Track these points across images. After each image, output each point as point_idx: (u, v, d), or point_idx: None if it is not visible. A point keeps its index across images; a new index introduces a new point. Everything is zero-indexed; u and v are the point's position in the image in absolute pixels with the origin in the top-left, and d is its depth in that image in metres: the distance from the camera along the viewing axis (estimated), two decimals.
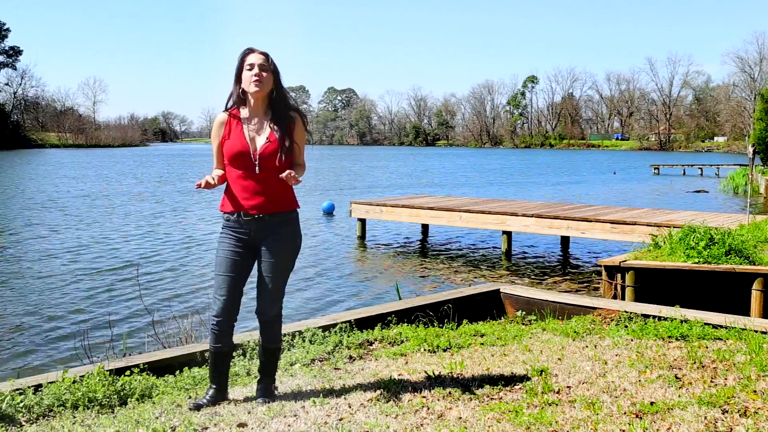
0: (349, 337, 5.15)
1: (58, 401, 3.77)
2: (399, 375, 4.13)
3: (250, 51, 3.67)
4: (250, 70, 3.61)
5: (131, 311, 9.26)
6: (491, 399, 3.63)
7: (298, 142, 3.72)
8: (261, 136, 3.65)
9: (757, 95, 50.83)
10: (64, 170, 46.16)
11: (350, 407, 3.51)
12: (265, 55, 3.67)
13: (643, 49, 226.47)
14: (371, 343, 5.09)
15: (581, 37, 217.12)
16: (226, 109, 3.74)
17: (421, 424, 3.26)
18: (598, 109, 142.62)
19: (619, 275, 9.03)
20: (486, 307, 6.41)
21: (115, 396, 3.91)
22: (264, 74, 3.61)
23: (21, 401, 3.72)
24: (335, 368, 4.40)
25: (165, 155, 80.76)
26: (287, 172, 3.54)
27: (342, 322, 5.38)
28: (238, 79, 3.67)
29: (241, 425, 3.30)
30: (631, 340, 4.87)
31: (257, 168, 3.60)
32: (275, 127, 3.66)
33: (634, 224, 11.95)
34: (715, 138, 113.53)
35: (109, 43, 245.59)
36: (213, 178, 3.64)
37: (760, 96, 36.47)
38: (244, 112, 3.71)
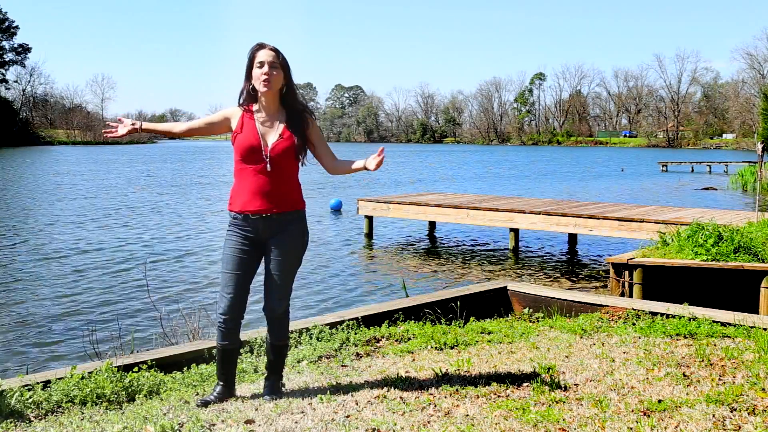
0: (356, 334, 5.15)
1: (67, 397, 3.79)
2: (406, 372, 4.13)
3: (260, 47, 3.63)
4: (260, 68, 3.59)
5: (139, 308, 9.29)
6: (498, 396, 3.63)
7: (315, 141, 3.73)
8: (273, 133, 3.64)
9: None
10: (72, 167, 46.32)
11: (357, 404, 3.52)
12: (275, 51, 3.63)
13: (651, 46, 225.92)
14: (378, 341, 5.09)
15: (589, 34, 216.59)
16: (240, 105, 3.74)
17: (428, 422, 3.26)
18: (606, 106, 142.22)
19: (626, 273, 9.00)
20: (493, 305, 6.40)
21: (123, 392, 3.92)
22: (273, 73, 3.59)
23: (30, 397, 3.74)
24: (342, 365, 4.40)
25: (173, 152, 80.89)
26: (376, 157, 3.60)
27: (349, 320, 5.39)
28: (249, 75, 3.65)
29: (249, 422, 3.31)
30: (639, 338, 4.86)
31: (268, 165, 3.60)
32: (289, 124, 3.66)
33: (642, 221, 11.91)
34: (724, 135, 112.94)
35: (117, 41, 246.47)
36: (137, 128, 3.76)
37: (764, 95, 36.30)
38: (256, 108, 3.70)
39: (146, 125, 3.80)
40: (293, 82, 3.73)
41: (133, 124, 3.77)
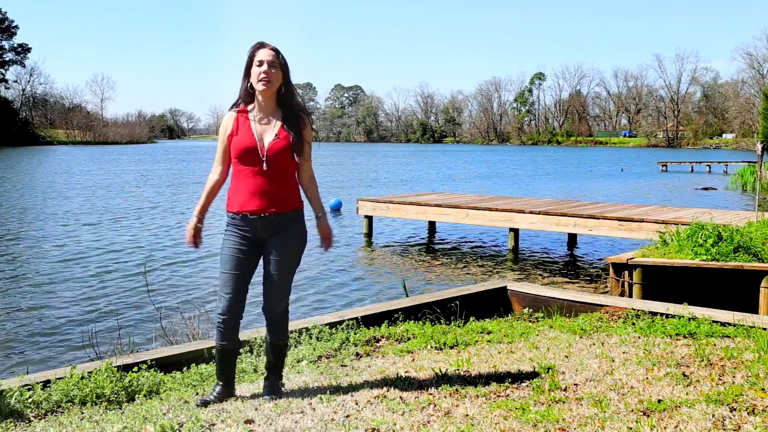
0: (355, 334, 5.15)
1: (66, 397, 3.79)
2: (406, 372, 4.13)
3: (260, 46, 3.64)
4: (259, 66, 3.59)
5: (138, 308, 9.29)
6: (498, 396, 3.63)
7: (306, 139, 3.72)
8: (269, 133, 3.64)
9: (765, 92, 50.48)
10: (73, 167, 46.30)
11: (357, 404, 3.52)
12: (275, 50, 3.63)
13: (650, 46, 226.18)
14: (378, 340, 5.09)
15: (588, 34, 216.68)
16: (234, 107, 3.73)
17: (428, 421, 3.26)
18: (605, 105, 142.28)
19: (626, 272, 9.00)
20: (493, 305, 6.40)
21: (123, 392, 3.92)
22: (272, 72, 3.59)
23: (29, 397, 3.74)
24: (342, 365, 4.40)
25: (173, 152, 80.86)
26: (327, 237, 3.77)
27: (349, 319, 5.39)
28: (247, 73, 3.65)
29: (248, 422, 3.31)
30: (639, 338, 4.86)
31: (265, 165, 3.59)
32: (285, 124, 3.66)
33: (642, 221, 11.91)
34: (724, 135, 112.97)
35: (117, 41, 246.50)
36: (199, 228, 3.71)
37: (764, 95, 36.30)
38: (252, 109, 3.70)
39: (200, 210, 3.74)
40: (291, 83, 3.72)
41: (198, 224, 3.71)
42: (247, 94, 3.69)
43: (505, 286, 6.61)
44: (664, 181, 38.40)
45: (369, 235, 16.18)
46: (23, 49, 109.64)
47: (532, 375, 3.99)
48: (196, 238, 3.71)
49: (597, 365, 4.19)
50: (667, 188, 32.73)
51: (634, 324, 5.27)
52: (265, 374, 3.85)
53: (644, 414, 3.30)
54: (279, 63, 3.62)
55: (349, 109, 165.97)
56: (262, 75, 3.58)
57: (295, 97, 3.73)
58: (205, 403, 3.63)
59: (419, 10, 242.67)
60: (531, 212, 13.43)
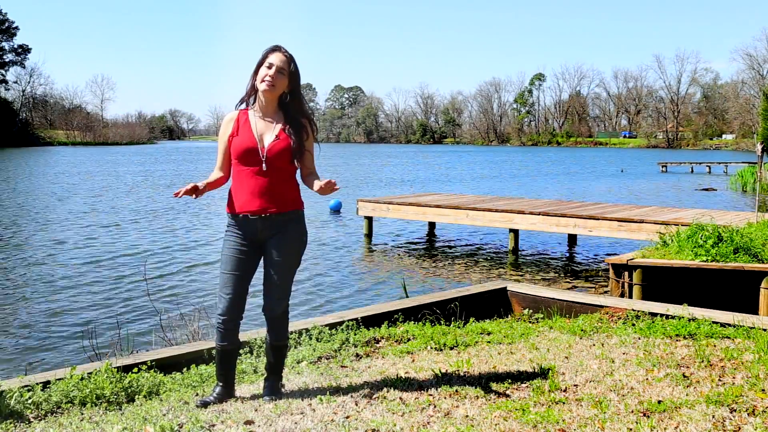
0: (355, 334, 5.15)
1: (66, 398, 3.79)
2: (406, 373, 4.13)
3: (276, 49, 3.65)
4: (268, 68, 3.60)
5: (138, 309, 9.29)
6: (498, 397, 3.63)
7: (308, 148, 3.72)
8: (270, 134, 3.64)
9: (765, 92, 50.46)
10: (73, 168, 46.30)
11: (357, 405, 3.52)
12: (289, 58, 3.63)
13: (650, 46, 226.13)
14: (378, 341, 5.09)
15: (588, 34, 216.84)
16: (240, 104, 3.75)
17: (428, 422, 3.26)
18: (605, 106, 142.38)
19: (626, 273, 9.00)
20: (493, 305, 6.40)
21: (123, 393, 3.92)
22: (278, 77, 3.60)
23: (29, 398, 3.73)
24: (342, 366, 4.40)
25: (174, 153, 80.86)
26: (325, 181, 3.51)
27: (349, 320, 5.38)
28: (257, 71, 3.65)
29: (248, 422, 3.31)
30: (639, 339, 4.86)
31: (265, 165, 3.59)
32: (286, 127, 3.66)
33: (642, 222, 11.91)
34: (724, 136, 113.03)
35: (117, 41, 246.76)
36: (198, 186, 3.54)
37: (764, 95, 36.32)
38: (254, 110, 3.70)
39: (204, 183, 3.64)
40: (300, 92, 3.72)
41: (196, 185, 3.57)
42: (253, 93, 3.70)
43: (505, 287, 6.61)
44: (664, 181, 38.40)
45: (369, 235, 16.17)
46: (23, 50, 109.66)
47: (532, 376, 3.99)
48: (187, 191, 3.50)
49: (597, 366, 4.19)
50: (667, 189, 32.73)
51: (634, 325, 5.27)
52: (265, 375, 3.85)
53: (644, 415, 3.30)
54: (288, 71, 3.62)
55: (349, 109, 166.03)
56: (267, 77, 3.59)
57: (303, 106, 3.72)
58: (204, 404, 3.63)
59: (419, 10, 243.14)
60: (531, 213, 13.42)
